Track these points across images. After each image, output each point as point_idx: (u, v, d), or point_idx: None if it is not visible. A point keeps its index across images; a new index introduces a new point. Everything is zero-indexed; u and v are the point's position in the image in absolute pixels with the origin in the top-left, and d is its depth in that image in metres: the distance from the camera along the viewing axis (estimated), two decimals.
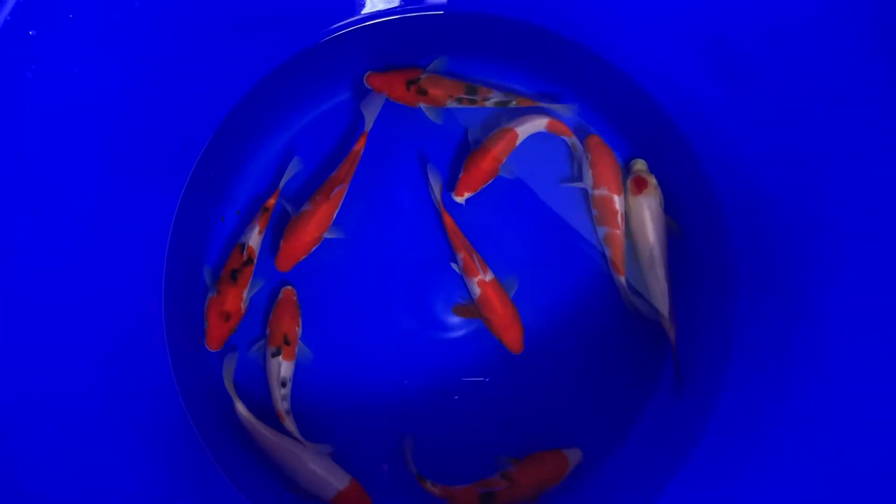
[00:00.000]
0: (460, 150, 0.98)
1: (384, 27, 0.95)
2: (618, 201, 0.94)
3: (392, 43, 0.97)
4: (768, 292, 0.88)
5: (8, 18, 0.67)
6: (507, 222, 0.98)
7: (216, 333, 0.91)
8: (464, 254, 0.93)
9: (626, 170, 0.97)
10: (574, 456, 0.92)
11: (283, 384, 0.91)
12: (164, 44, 0.82)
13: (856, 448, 0.77)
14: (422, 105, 0.94)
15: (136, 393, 0.86)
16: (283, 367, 0.91)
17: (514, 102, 0.94)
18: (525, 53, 0.98)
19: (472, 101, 0.94)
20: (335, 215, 0.93)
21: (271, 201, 0.94)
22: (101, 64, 0.77)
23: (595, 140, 0.95)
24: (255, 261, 0.92)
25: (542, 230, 0.97)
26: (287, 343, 0.91)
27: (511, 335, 0.93)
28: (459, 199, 0.93)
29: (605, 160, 0.94)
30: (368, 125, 0.94)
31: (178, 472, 0.87)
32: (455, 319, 0.96)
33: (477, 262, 0.92)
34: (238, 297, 0.91)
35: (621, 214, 0.94)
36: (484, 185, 0.94)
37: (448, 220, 0.93)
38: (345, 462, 0.91)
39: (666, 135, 0.95)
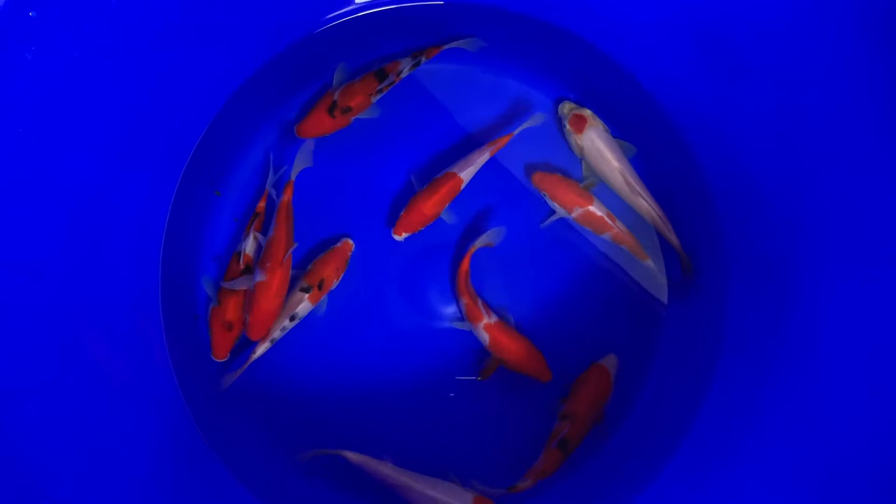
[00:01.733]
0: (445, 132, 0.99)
1: (381, 17, 0.96)
2: (597, 208, 0.94)
3: (389, 33, 0.97)
4: (760, 283, 0.89)
5: None
6: (505, 220, 0.98)
7: (221, 344, 0.91)
8: (467, 300, 0.93)
9: (560, 118, 0.97)
10: (611, 362, 0.93)
11: (292, 318, 0.91)
12: (162, 31, 0.83)
13: (845, 438, 0.77)
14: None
15: (134, 383, 0.86)
16: (301, 305, 0.91)
17: (423, 58, 0.94)
18: (520, 44, 0.98)
19: (390, 84, 0.94)
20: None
21: (261, 205, 0.94)
22: (101, 47, 0.78)
23: (538, 176, 0.95)
24: (252, 268, 0.92)
25: (535, 222, 0.98)
26: (319, 288, 0.91)
27: (534, 368, 0.92)
28: (398, 237, 0.93)
29: (559, 186, 0.94)
30: (293, 174, 0.93)
31: (177, 464, 0.87)
32: (450, 309, 0.96)
33: (481, 307, 0.92)
34: (239, 306, 0.91)
35: (608, 214, 0.95)
36: (423, 227, 0.94)
37: (465, 265, 0.93)
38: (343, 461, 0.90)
39: (660, 126, 0.96)
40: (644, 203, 0.95)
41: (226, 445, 0.91)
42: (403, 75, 0.94)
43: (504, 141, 0.94)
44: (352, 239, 0.95)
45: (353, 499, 0.92)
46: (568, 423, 0.90)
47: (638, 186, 0.95)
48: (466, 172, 0.93)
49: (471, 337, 0.95)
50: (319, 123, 0.93)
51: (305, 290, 0.91)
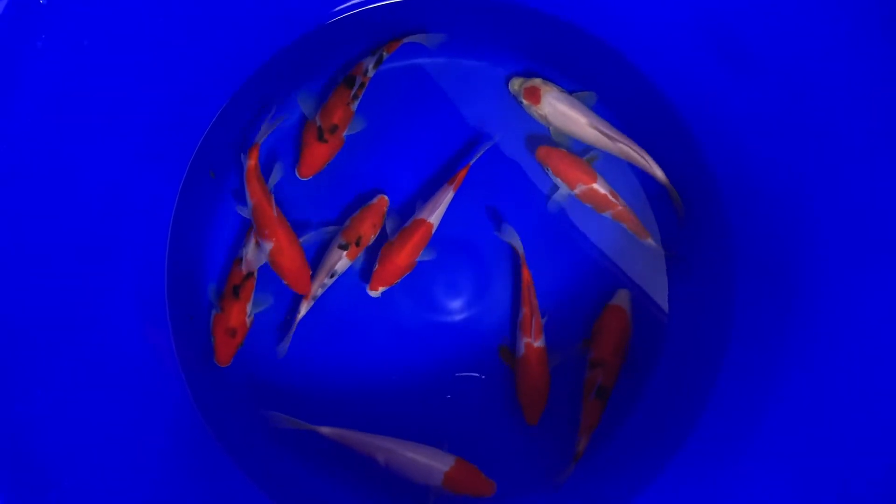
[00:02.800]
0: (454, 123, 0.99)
1: (389, 9, 0.95)
2: (600, 185, 0.94)
3: (399, 26, 0.97)
4: (767, 281, 0.88)
5: None
6: (502, 211, 0.98)
7: (224, 350, 0.91)
8: (527, 311, 0.92)
9: (513, 95, 0.97)
10: (623, 299, 0.94)
11: (332, 276, 0.92)
12: (170, 20, 0.83)
13: (852, 437, 0.77)
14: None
15: (140, 375, 0.86)
16: (340, 262, 0.92)
17: (384, 53, 0.94)
18: (526, 38, 0.98)
19: (362, 86, 0.93)
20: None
21: None
22: (110, 36, 0.77)
23: (543, 151, 0.95)
24: (254, 274, 0.92)
25: (540, 217, 0.98)
26: (357, 244, 0.92)
27: (532, 406, 0.92)
28: (373, 294, 0.92)
29: (563, 161, 0.94)
30: (259, 138, 0.93)
31: (184, 456, 0.87)
32: (455, 304, 0.96)
33: (534, 325, 0.92)
34: (242, 312, 0.91)
35: (611, 192, 0.94)
36: (401, 279, 0.92)
37: (526, 274, 0.93)
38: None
39: (666, 121, 0.96)
40: (624, 147, 0.95)
41: (231, 438, 0.91)
42: (371, 74, 0.94)
43: (462, 174, 0.93)
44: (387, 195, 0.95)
45: (360, 494, 0.92)
46: (599, 371, 0.91)
47: (612, 133, 0.94)
48: (435, 216, 0.92)
49: (475, 332, 0.95)
50: (316, 155, 0.93)
51: (343, 248, 0.92)
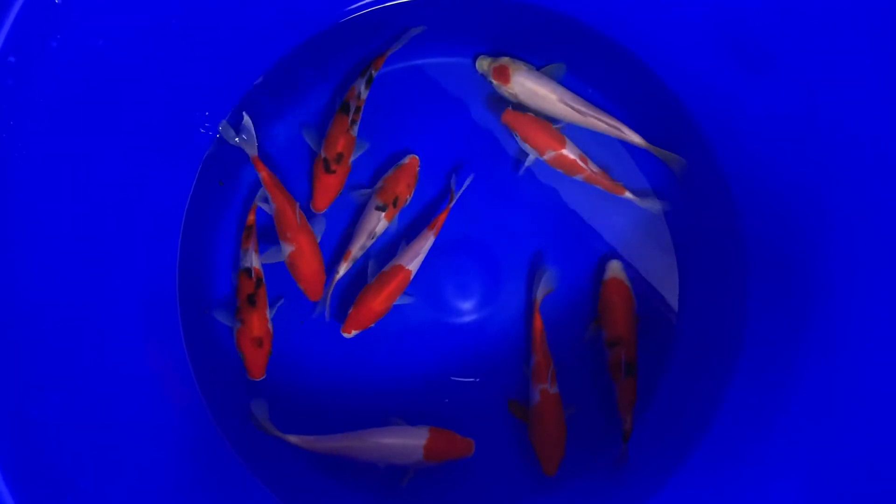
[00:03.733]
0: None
1: (407, 7, 0.95)
2: (570, 150, 0.93)
3: (411, 23, 0.96)
4: (781, 282, 0.88)
5: None
6: (513, 211, 0.98)
7: (255, 362, 0.90)
8: (539, 357, 0.92)
9: (483, 76, 0.96)
10: (616, 270, 0.93)
11: (372, 238, 0.92)
12: (185, 20, 0.82)
13: (865, 439, 0.77)
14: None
15: (152, 377, 0.86)
16: (380, 224, 0.92)
17: (373, 71, 0.94)
18: (535, 36, 0.98)
19: (358, 110, 0.93)
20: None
21: (251, 218, 0.93)
22: (125, 37, 0.77)
23: (510, 115, 0.93)
24: (264, 280, 0.92)
25: (552, 217, 0.98)
26: (394, 205, 0.92)
27: (551, 456, 0.90)
28: (347, 335, 0.91)
29: (531, 126, 0.93)
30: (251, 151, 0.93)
31: (195, 457, 0.87)
32: (466, 305, 0.95)
33: (549, 373, 0.91)
34: (263, 319, 0.91)
35: (580, 156, 0.94)
36: (375, 322, 0.92)
37: (538, 322, 0.93)
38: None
39: (678, 121, 0.95)
40: (596, 121, 0.94)
41: (243, 440, 0.91)
42: (364, 96, 0.93)
43: (442, 218, 0.92)
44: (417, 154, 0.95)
45: (369, 497, 0.92)
46: (619, 349, 0.91)
47: (584, 107, 0.94)
48: (414, 263, 0.91)
49: (485, 334, 0.95)
50: (327, 187, 0.93)
51: (381, 209, 0.92)
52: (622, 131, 0.94)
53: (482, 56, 0.96)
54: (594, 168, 0.94)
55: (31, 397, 0.71)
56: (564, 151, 0.93)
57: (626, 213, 0.97)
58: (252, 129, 0.92)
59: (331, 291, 0.93)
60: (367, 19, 0.95)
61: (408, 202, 0.95)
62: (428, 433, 0.87)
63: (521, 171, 0.96)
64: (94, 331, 0.80)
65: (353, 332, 0.91)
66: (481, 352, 0.95)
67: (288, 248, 0.91)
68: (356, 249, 0.92)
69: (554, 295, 0.95)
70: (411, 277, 0.92)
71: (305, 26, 0.93)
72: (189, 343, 0.91)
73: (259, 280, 0.91)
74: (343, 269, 0.93)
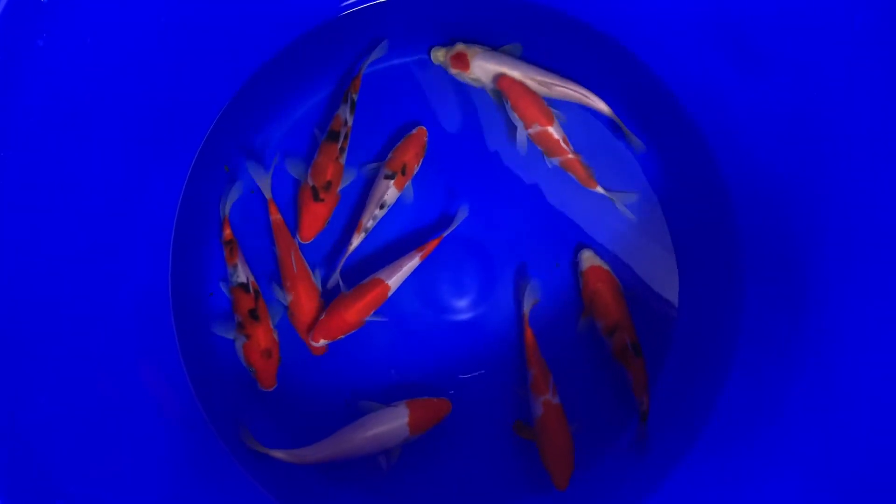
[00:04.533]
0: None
1: (396, 6, 0.94)
2: (555, 130, 0.92)
3: (407, 21, 0.96)
4: (777, 278, 0.88)
5: None
6: (508, 209, 0.97)
7: (266, 373, 0.90)
8: (536, 371, 0.91)
9: (441, 66, 0.95)
10: (589, 258, 0.93)
11: (382, 206, 0.92)
12: (175, 17, 0.81)
13: (863, 435, 0.77)
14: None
15: (147, 389, 0.86)
16: (389, 192, 0.92)
17: (352, 94, 0.93)
18: (533, 36, 0.97)
19: (346, 137, 0.93)
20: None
21: (227, 232, 0.93)
22: (113, 34, 0.76)
23: (506, 81, 0.93)
24: (260, 291, 0.92)
25: (548, 215, 0.97)
26: (403, 173, 0.92)
27: (561, 469, 0.88)
28: (315, 344, 0.90)
29: (524, 97, 0.92)
30: (266, 190, 0.93)
31: (191, 462, 0.87)
32: (462, 303, 0.95)
33: (549, 384, 0.90)
34: (269, 331, 0.91)
35: (563, 139, 0.93)
36: (344, 335, 0.91)
37: (529, 335, 0.92)
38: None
39: (676, 121, 0.95)
40: (563, 90, 0.94)
41: (238, 441, 0.90)
42: (350, 122, 0.93)
43: (433, 245, 0.92)
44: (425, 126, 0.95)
45: (369, 497, 0.92)
46: (619, 335, 0.91)
47: (549, 79, 0.94)
48: (395, 279, 0.90)
49: (480, 331, 0.94)
50: (315, 215, 0.92)
51: (390, 177, 0.92)
52: (589, 98, 0.94)
53: (436, 47, 0.95)
54: (573, 154, 0.93)
55: (21, 402, 0.70)
56: (550, 129, 0.92)
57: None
58: (270, 171, 0.93)
59: (342, 264, 0.92)
60: (360, 16, 0.94)
61: (416, 172, 0.94)
62: (407, 409, 0.88)
63: (523, 148, 0.94)
64: (85, 333, 0.80)
65: (322, 342, 0.90)
66: (478, 349, 0.95)
67: (288, 297, 0.92)
68: (367, 220, 0.92)
69: (556, 296, 0.94)
70: (389, 294, 0.91)
71: (299, 23, 0.93)
72: (183, 346, 0.91)
73: (257, 292, 0.91)
74: (356, 240, 0.92)
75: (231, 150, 0.95)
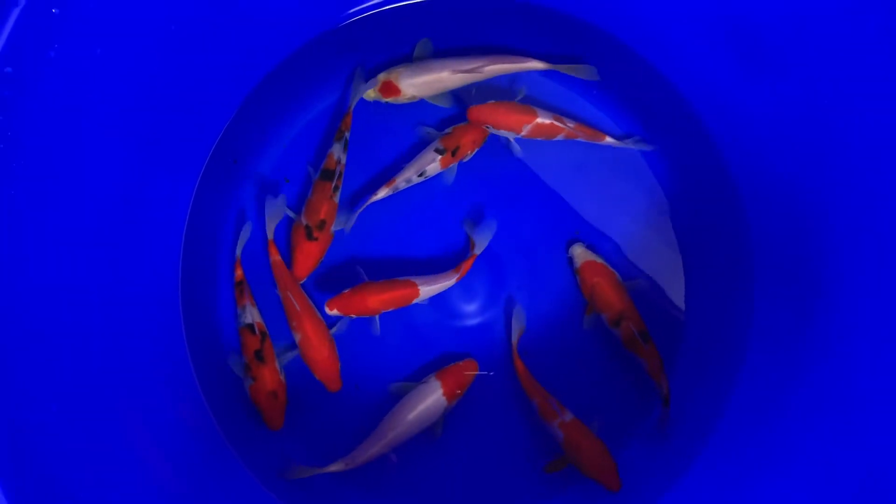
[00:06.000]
0: None
1: (403, 11, 0.95)
2: (543, 117, 0.92)
3: (412, 28, 0.96)
4: (787, 280, 0.88)
5: None
6: (517, 213, 0.97)
7: (273, 415, 0.90)
8: (539, 399, 0.91)
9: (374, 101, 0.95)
10: (582, 251, 0.93)
11: (420, 174, 0.92)
12: (183, 26, 0.82)
13: (873, 438, 0.76)
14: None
15: (154, 381, 0.86)
16: (431, 165, 0.92)
17: (345, 132, 0.92)
18: (542, 39, 0.97)
19: (340, 176, 0.92)
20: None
21: (239, 273, 0.93)
22: (123, 45, 0.76)
23: (474, 111, 0.92)
24: (267, 333, 0.92)
25: (556, 218, 0.97)
26: (453, 154, 0.92)
27: (606, 474, 0.88)
28: (328, 311, 0.90)
29: (498, 112, 0.92)
30: (269, 230, 0.93)
31: (198, 465, 0.87)
32: (471, 307, 0.95)
33: (554, 406, 0.90)
34: (274, 372, 0.90)
35: (555, 118, 0.92)
36: (357, 317, 0.92)
37: (520, 367, 0.92)
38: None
39: (683, 120, 0.95)
40: (494, 66, 0.93)
41: (247, 445, 0.91)
42: (344, 160, 0.92)
43: (469, 264, 0.91)
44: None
45: (371, 498, 0.92)
46: (625, 324, 0.91)
47: (475, 62, 0.92)
48: (427, 289, 0.90)
49: (491, 336, 0.94)
50: (308, 254, 0.92)
51: (440, 152, 0.92)
52: (524, 63, 0.93)
53: (360, 88, 0.94)
54: (571, 124, 0.93)
55: (27, 404, 0.71)
56: (539, 120, 0.92)
57: (631, 213, 0.96)
58: (281, 209, 0.93)
59: (360, 211, 0.92)
60: (367, 23, 0.95)
61: (467, 157, 0.93)
62: (438, 381, 0.89)
63: (518, 152, 0.95)
64: (93, 334, 0.80)
65: (335, 312, 0.90)
66: (487, 354, 0.95)
67: (296, 336, 0.91)
68: (401, 180, 0.91)
69: (568, 297, 0.95)
70: (414, 301, 0.91)
71: (304, 30, 0.93)
72: (192, 348, 0.91)
73: (263, 334, 0.91)
74: (383, 192, 0.91)
75: (242, 154, 0.96)
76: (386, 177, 0.94)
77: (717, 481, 0.86)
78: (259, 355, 0.90)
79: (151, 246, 0.89)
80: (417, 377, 0.93)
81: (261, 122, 0.96)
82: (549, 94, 0.97)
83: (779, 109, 0.86)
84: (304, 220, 0.91)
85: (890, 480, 0.74)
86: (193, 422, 0.89)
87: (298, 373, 0.93)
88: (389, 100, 0.93)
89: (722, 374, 0.91)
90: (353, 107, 0.94)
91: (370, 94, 0.93)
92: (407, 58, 0.96)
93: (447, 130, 0.93)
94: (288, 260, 0.93)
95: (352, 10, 0.94)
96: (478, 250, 0.92)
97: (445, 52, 0.96)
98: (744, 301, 0.92)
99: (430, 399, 0.89)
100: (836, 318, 0.82)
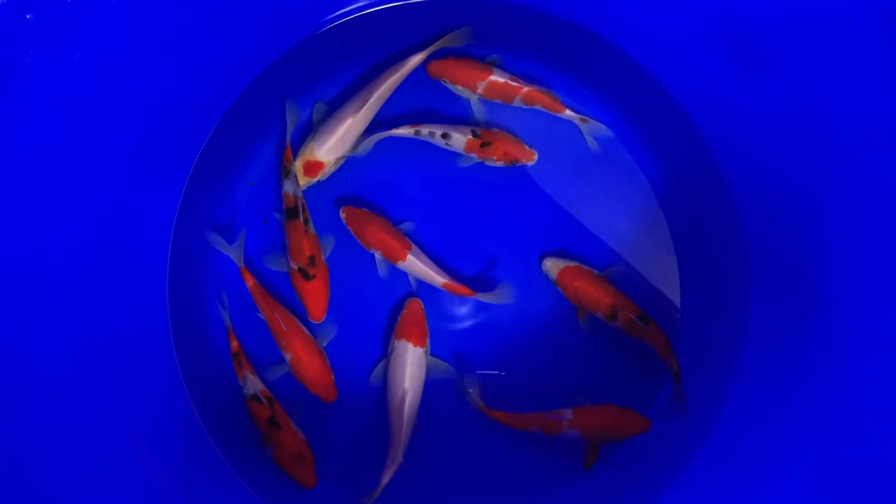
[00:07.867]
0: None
1: (393, 12, 0.95)
2: (498, 75, 0.93)
3: (394, 31, 0.96)
4: (782, 281, 0.88)
5: (5, 1, 0.67)
6: (509, 214, 0.97)
7: (304, 475, 0.90)
8: (537, 425, 0.89)
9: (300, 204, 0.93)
10: (557, 263, 0.93)
11: (444, 136, 0.93)
12: (164, 31, 0.82)
13: (868, 440, 0.76)
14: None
15: (142, 389, 0.86)
16: (458, 142, 0.93)
17: (288, 167, 0.91)
18: (531, 41, 0.97)
19: (304, 208, 0.90)
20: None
21: (234, 344, 0.92)
22: (101, 49, 0.77)
23: (433, 66, 0.94)
24: (274, 398, 0.91)
25: (551, 220, 0.97)
26: (483, 146, 0.93)
27: (632, 426, 0.90)
28: (341, 215, 0.93)
29: (456, 67, 0.94)
30: (238, 261, 0.93)
31: (187, 469, 0.87)
32: (462, 310, 0.95)
33: (552, 417, 0.89)
34: (293, 434, 0.90)
35: (511, 78, 0.94)
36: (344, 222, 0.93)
37: (503, 417, 0.90)
38: (349, 450, 0.90)
39: (675, 120, 0.95)
40: (384, 87, 0.92)
41: (236, 452, 0.91)
42: (300, 193, 0.90)
43: (462, 290, 0.91)
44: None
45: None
46: (621, 314, 0.91)
47: (368, 93, 0.92)
48: (414, 263, 0.91)
49: (484, 335, 0.94)
50: (315, 293, 0.91)
51: (474, 135, 0.93)
52: (407, 64, 0.93)
53: (286, 190, 0.91)
54: (529, 86, 0.94)
55: (14, 416, 0.70)
56: (493, 77, 0.94)
57: (626, 215, 0.96)
58: (242, 239, 0.93)
59: (381, 137, 0.93)
60: (348, 27, 0.95)
61: (490, 161, 0.94)
62: (402, 339, 0.90)
63: (480, 117, 0.96)
64: (84, 348, 0.80)
65: (343, 216, 0.93)
66: (481, 356, 0.94)
67: (287, 356, 0.91)
68: (427, 130, 0.93)
69: (563, 299, 0.94)
70: (399, 261, 0.91)
71: (286, 36, 0.94)
72: (181, 356, 0.91)
73: (270, 400, 0.91)
74: (403, 130, 0.93)
75: (227, 159, 0.96)
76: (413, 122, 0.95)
77: (713, 483, 0.85)
78: (273, 422, 0.89)
79: (138, 255, 0.89)
80: None
81: (247, 130, 0.96)
82: None
83: (769, 108, 0.86)
84: (293, 265, 0.91)
85: (886, 481, 0.73)
86: (184, 430, 0.89)
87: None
88: (320, 175, 0.93)
89: (718, 373, 0.91)
90: (289, 140, 0.93)
91: (303, 181, 0.93)
92: (392, 59, 0.96)
93: (494, 129, 0.95)
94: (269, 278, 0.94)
95: (330, 17, 0.94)
96: (480, 297, 0.92)
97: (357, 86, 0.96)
98: (738, 303, 0.92)
99: (409, 358, 0.89)
100: (831, 317, 0.81)
